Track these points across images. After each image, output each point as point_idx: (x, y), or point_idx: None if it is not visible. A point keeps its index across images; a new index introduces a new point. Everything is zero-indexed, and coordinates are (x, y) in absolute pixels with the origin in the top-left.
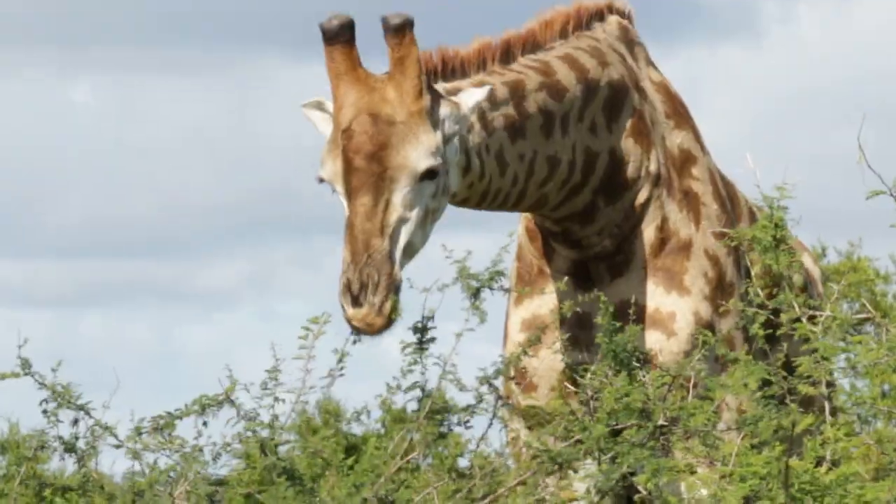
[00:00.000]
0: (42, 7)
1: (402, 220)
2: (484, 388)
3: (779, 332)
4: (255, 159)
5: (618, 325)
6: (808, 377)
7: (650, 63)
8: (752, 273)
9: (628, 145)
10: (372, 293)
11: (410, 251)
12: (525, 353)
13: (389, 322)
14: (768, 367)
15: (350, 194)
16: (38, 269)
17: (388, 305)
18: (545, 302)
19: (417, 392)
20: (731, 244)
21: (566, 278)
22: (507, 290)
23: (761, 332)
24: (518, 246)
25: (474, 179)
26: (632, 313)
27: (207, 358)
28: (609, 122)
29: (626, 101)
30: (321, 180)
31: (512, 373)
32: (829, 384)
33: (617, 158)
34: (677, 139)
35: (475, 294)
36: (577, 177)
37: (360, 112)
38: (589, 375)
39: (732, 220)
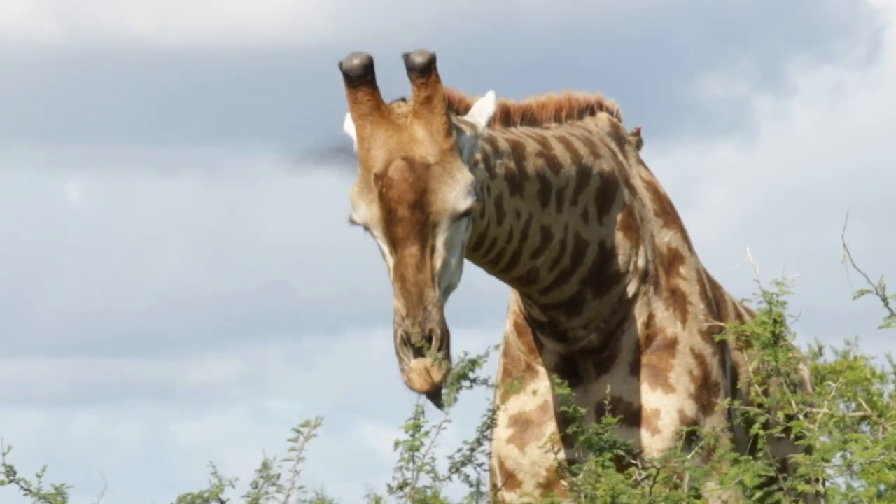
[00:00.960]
0: (32, 105)
1: (446, 264)
2: (455, 477)
3: (768, 432)
4: (247, 257)
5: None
6: (804, 475)
7: (640, 161)
8: (750, 369)
9: (618, 239)
10: (436, 344)
11: (450, 291)
12: (496, 414)
13: (446, 378)
14: (768, 464)
15: (396, 244)
16: (29, 368)
17: (446, 362)
18: (532, 398)
19: (408, 490)
20: (726, 338)
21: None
22: (484, 383)
23: (762, 433)
24: (505, 342)
25: (476, 215)
26: (606, 407)
27: (198, 457)
28: (600, 213)
29: (616, 194)
30: (353, 222)
31: (498, 474)
32: (821, 482)
33: (606, 251)
34: (666, 237)
35: (454, 383)
36: (567, 261)
37: (392, 155)
38: (582, 474)
39: (719, 321)
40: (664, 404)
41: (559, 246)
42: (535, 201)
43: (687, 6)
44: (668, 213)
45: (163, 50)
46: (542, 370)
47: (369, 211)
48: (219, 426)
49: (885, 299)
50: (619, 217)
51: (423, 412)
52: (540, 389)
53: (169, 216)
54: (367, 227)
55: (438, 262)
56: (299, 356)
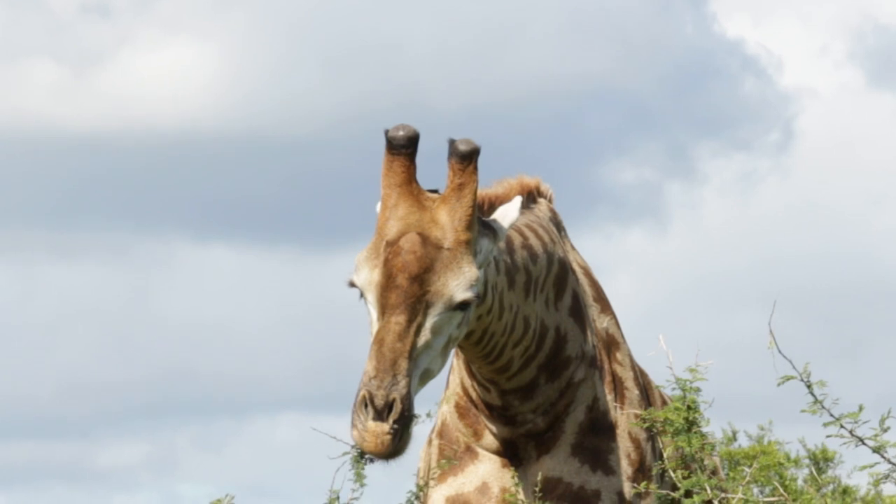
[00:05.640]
0: None
1: (428, 346)
2: None
3: None
4: (154, 341)
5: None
6: None
7: (573, 247)
8: (665, 455)
9: (569, 325)
10: (394, 416)
11: (427, 377)
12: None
13: (399, 451)
14: None
15: (386, 309)
16: None
17: (405, 434)
18: (470, 479)
19: None
20: (643, 426)
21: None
22: (371, 460)
23: None
24: (441, 423)
25: (483, 312)
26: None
27: None
28: (556, 298)
29: (568, 280)
30: (352, 285)
31: None
32: None
33: (561, 336)
34: (603, 323)
35: (358, 460)
36: (533, 348)
37: (409, 228)
38: None
39: (647, 406)
40: (604, 485)
41: (532, 334)
42: (521, 293)
43: (597, 91)
44: (603, 299)
45: (69, 135)
46: (482, 452)
47: (371, 275)
48: None
49: (809, 385)
50: (569, 303)
51: (337, 499)
52: (480, 471)
53: (77, 300)
54: (362, 292)
55: (421, 341)
56: (208, 440)
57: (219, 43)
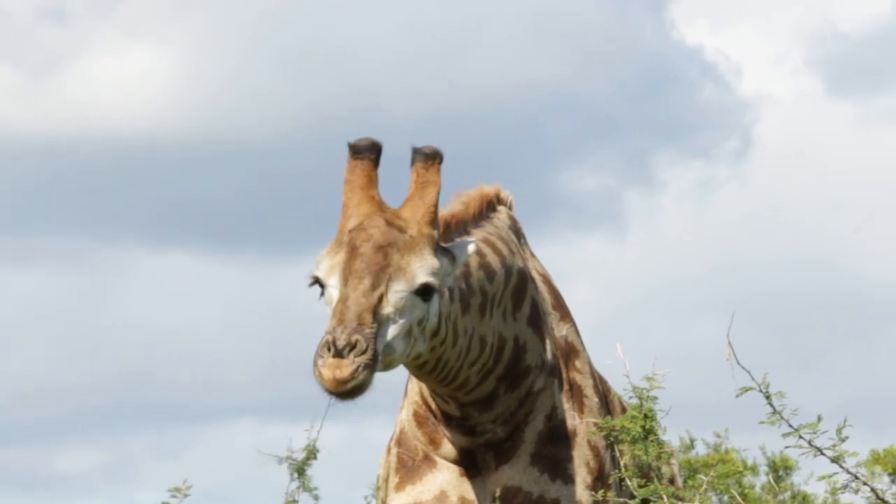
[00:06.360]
0: None
1: (390, 319)
2: None
3: None
4: (113, 346)
5: None
6: None
7: (533, 254)
8: (622, 464)
9: (528, 335)
10: (356, 354)
11: (388, 355)
12: None
13: (358, 389)
14: None
15: (349, 276)
16: None
17: (363, 374)
18: (428, 488)
19: None
20: (600, 434)
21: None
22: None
23: None
24: (400, 431)
25: (437, 343)
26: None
27: None
28: (514, 309)
29: (527, 290)
30: (314, 280)
31: None
32: None
33: (519, 346)
34: (563, 331)
35: (299, 471)
36: (491, 362)
37: (373, 216)
38: None
39: (606, 414)
40: (564, 494)
41: (490, 350)
42: (476, 314)
43: (555, 98)
44: (562, 307)
45: (25, 140)
46: (440, 461)
47: (332, 260)
48: None
49: (768, 397)
50: (528, 312)
51: (294, 501)
52: (438, 480)
53: (32, 306)
54: (325, 281)
55: (384, 310)
56: (165, 446)
57: (177, 48)
